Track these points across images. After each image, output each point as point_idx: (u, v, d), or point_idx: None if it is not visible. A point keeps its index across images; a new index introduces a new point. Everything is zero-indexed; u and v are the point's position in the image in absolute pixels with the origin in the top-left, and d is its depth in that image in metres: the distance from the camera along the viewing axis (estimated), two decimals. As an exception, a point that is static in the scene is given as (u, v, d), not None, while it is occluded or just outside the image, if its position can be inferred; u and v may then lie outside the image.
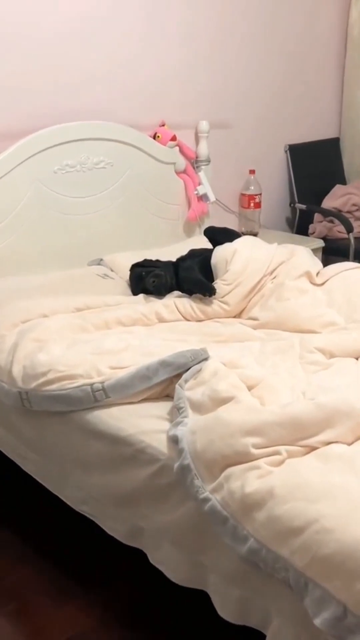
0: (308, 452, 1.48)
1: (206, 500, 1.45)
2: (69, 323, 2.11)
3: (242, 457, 1.44)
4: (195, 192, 3.09)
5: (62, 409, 1.82)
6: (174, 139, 3.01)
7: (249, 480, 1.40)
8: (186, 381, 1.73)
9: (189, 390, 1.70)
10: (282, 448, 1.46)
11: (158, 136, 2.99)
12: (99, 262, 2.76)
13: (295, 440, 1.49)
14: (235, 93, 3.34)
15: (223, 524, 1.42)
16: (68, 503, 1.91)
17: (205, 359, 1.80)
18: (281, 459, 1.45)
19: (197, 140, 3.19)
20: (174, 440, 1.58)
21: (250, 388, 1.70)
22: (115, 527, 1.78)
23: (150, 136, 2.99)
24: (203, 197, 3.13)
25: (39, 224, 2.65)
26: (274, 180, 3.63)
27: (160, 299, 2.31)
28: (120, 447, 1.69)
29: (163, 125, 3.04)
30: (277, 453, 1.46)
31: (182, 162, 3.08)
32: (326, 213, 3.51)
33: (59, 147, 2.64)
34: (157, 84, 3.02)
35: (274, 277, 2.36)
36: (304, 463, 1.44)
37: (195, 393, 1.67)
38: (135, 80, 2.94)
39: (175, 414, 1.66)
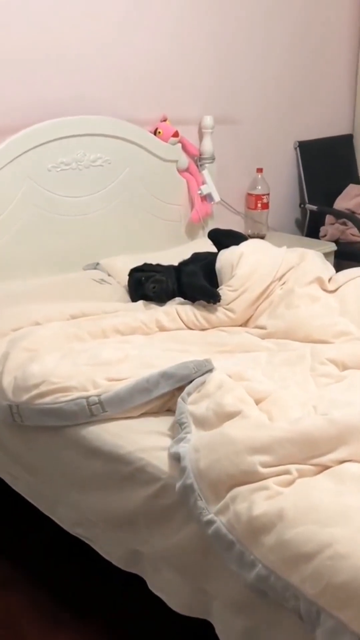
0: (320, 472, 1.48)
1: (210, 522, 1.45)
2: (63, 331, 2.11)
3: (250, 477, 1.44)
4: (199, 192, 3.10)
5: (55, 423, 1.82)
6: (176, 135, 3.01)
7: (256, 502, 1.39)
8: (189, 394, 1.73)
9: (192, 404, 1.70)
10: (292, 467, 1.46)
11: (159, 132, 3.00)
12: (96, 266, 2.76)
13: (306, 458, 1.48)
14: (242, 86, 3.35)
15: (228, 549, 1.41)
16: (61, 525, 1.91)
17: (210, 371, 1.80)
18: (291, 479, 1.44)
19: (200, 136, 3.19)
20: (175, 458, 1.57)
21: (257, 402, 1.70)
22: (112, 551, 1.78)
23: (151, 132, 2.99)
24: (207, 197, 3.13)
25: (32, 226, 2.66)
26: (282, 179, 3.63)
27: (161, 306, 2.31)
28: (117, 465, 1.69)
29: (164, 121, 3.04)
30: (287, 472, 1.45)
31: (184, 160, 3.09)
32: (339, 214, 3.51)
33: (53, 143, 2.65)
34: (159, 76, 3.03)
35: (283, 283, 2.36)
36: (316, 483, 1.43)
37: (199, 407, 1.67)
38: (135, 72, 2.95)
39: (177, 429, 1.65)
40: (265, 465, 1.45)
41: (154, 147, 2.96)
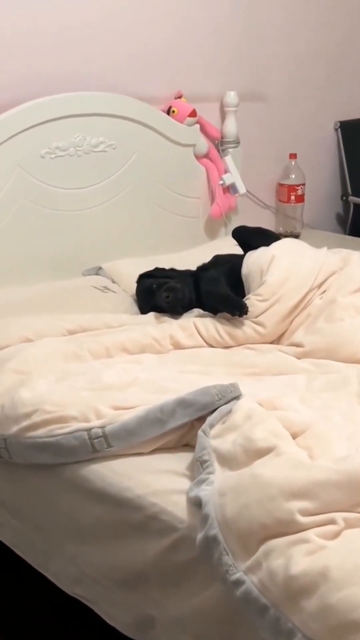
0: (372, 521, 1.47)
1: (239, 583, 1.43)
2: (59, 350, 2.11)
3: (287, 527, 1.43)
4: (221, 182, 3.10)
5: (50, 460, 1.81)
6: (193, 114, 3.02)
7: (295, 558, 1.38)
8: (212, 426, 1.72)
9: (216, 438, 1.69)
10: (338, 515, 1.44)
11: (173, 111, 3.01)
12: (97, 271, 2.77)
13: (355, 505, 1.47)
14: (271, 56, 3.36)
15: (261, 615, 1.40)
16: (56, 583, 1.90)
17: (236, 398, 1.79)
18: (337, 530, 1.43)
19: (222, 116, 3.21)
20: (196, 504, 1.57)
21: (295, 436, 1.69)
22: (118, 615, 1.77)
23: (164, 111, 3.01)
24: (230, 189, 3.14)
25: (21, 223, 2.67)
26: (321, 167, 3.64)
27: (176, 318, 2.32)
28: (125, 512, 1.68)
29: (180, 98, 3.06)
30: (332, 522, 1.44)
31: (203, 144, 3.10)
32: (389, 209, 3.52)
33: (48, 124, 2.66)
34: (172, 45, 3.04)
35: (323, 292, 2.36)
36: (367, 535, 1.43)
37: (224, 442, 1.66)
38: (144, 40, 2.96)
39: (198, 469, 1.64)
40: (306, 513, 1.44)
41: (167, 129, 2.97)
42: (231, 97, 3.16)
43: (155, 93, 2.99)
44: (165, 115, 2.99)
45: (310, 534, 1.41)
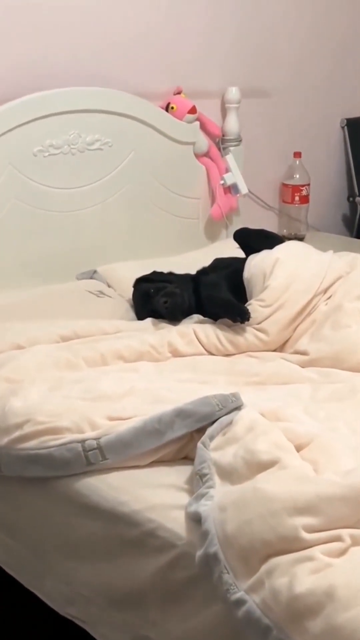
0: (380, 538, 1.47)
1: (240, 602, 1.43)
2: (52, 357, 2.11)
3: (290, 544, 1.43)
4: (221, 182, 3.11)
5: (42, 474, 1.81)
6: (193, 111, 3.02)
7: (299, 576, 1.38)
8: (212, 438, 1.72)
9: (216, 450, 1.69)
10: (344, 532, 1.44)
11: (172, 107, 3.01)
12: (92, 274, 2.77)
13: (362, 521, 1.47)
14: (276, 50, 3.37)
15: (264, 636, 1.39)
16: (48, 603, 1.90)
17: (238, 408, 1.79)
18: (343, 547, 1.43)
19: (224, 112, 3.21)
20: (195, 520, 1.56)
21: (299, 448, 1.69)
22: (114, 636, 1.76)
23: (162, 107, 3.01)
24: (231, 189, 3.15)
25: (12, 224, 2.67)
26: (326, 166, 3.64)
27: (175, 325, 2.32)
28: (121, 528, 1.68)
29: (179, 93, 3.06)
30: (338, 539, 1.43)
31: (203, 142, 3.10)
32: None
33: (40, 121, 2.66)
34: (171, 37, 3.04)
35: (329, 297, 2.36)
36: (375, 553, 1.42)
37: (225, 455, 1.66)
38: (141, 32, 2.96)
39: (197, 483, 1.64)
40: (310, 529, 1.44)
41: (166, 126, 2.97)
42: (233, 93, 3.16)
43: (154, 89, 3.00)
44: (163, 111, 2.99)
45: (315, 551, 1.41)
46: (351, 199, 3.70)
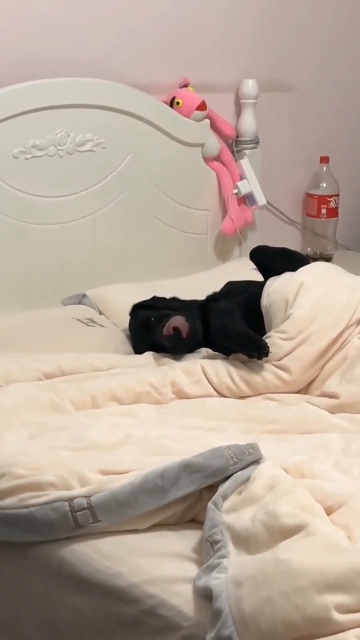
0: None
1: None
2: (33, 398, 2.12)
3: (320, 627, 1.42)
4: (235, 192, 3.12)
5: (20, 538, 1.80)
6: (202, 107, 3.04)
7: (331, 668, 1.38)
8: (225, 498, 1.71)
9: (230, 512, 1.68)
10: (384, 613, 1.44)
11: (178, 102, 3.03)
12: (81, 299, 2.78)
13: None
14: (299, 39, 3.39)
15: None
16: None
17: (256, 462, 1.79)
18: (383, 632, 1.43)
19: (238, 109, 3.23)
20: (205, 596, 1.55)
21: (329, 511, 1.68)
22: None
23: (166, 102, 3.03)
24: (247, 199, 3.16)
25: (-12, 238, 2.68)
26: (358, 174, 3.64)
27: (180, 360, 2.32)
28: (115, 604, 1.66)
29: (186, 86, 3.08)
30: (377, 621, 1.44)
31: (214, 144, 3.11)
32: None
33: (23, 117, 2.68)
34: (177, 23, 3.06)
35: (363, 330, 2.37)
36: None
37: (241, 518, 1.65)
38: (143, 16, 2.98)
39: (208, 551, 1.63)
40: (344, 609, 1.43)
41: (170, 125, 2.99)
42: (249, 86, 3.18)
43: (156, 80, 3.02)
44: (167, 107, 3.01)
45: (351, 635, 1.41)
46: (386, 212, 3.72)
